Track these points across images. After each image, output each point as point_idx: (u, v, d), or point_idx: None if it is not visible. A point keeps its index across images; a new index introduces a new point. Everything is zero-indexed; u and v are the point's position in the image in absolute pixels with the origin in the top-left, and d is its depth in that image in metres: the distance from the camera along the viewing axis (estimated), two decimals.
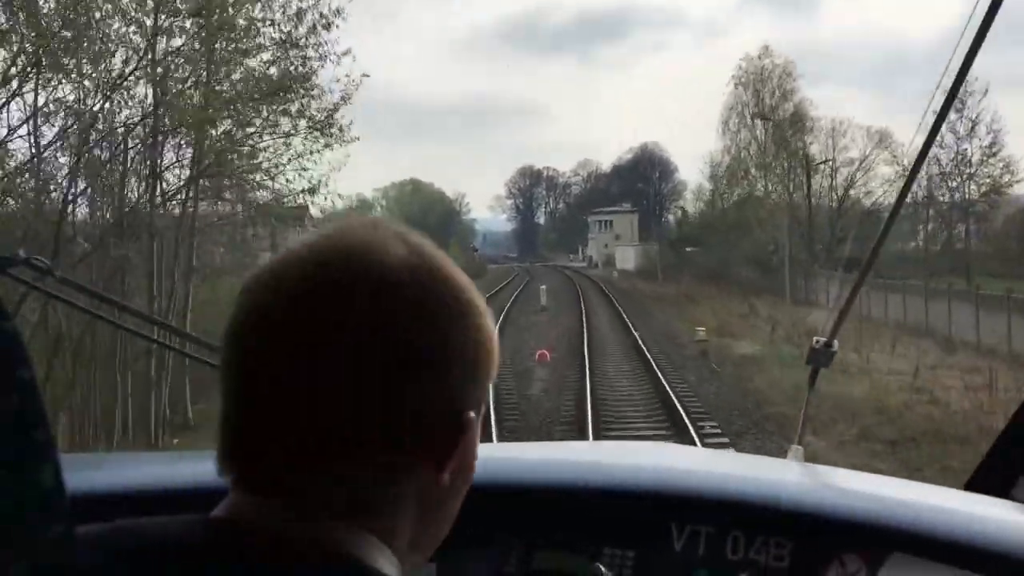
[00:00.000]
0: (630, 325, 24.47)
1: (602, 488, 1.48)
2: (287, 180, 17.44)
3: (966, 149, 42.13)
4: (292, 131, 15.92)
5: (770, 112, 44.67)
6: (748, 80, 47.48)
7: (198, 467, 1.51)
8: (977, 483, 1.63)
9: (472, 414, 0.73)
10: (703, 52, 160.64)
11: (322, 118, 15.84)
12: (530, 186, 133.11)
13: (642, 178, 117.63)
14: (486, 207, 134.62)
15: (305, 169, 17.03)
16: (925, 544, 1.28)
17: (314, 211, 18.82)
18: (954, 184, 43.11)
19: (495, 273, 69.66)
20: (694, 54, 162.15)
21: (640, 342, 20.73)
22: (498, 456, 1.70)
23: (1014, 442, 1.59)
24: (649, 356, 18.48)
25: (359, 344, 0.68)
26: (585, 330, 23.30)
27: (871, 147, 44.24)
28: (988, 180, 42.97)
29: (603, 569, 1.35)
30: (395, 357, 0.68)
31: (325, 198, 18.02)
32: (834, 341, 1.79)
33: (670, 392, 14.28)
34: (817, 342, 1.80)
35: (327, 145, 16.11)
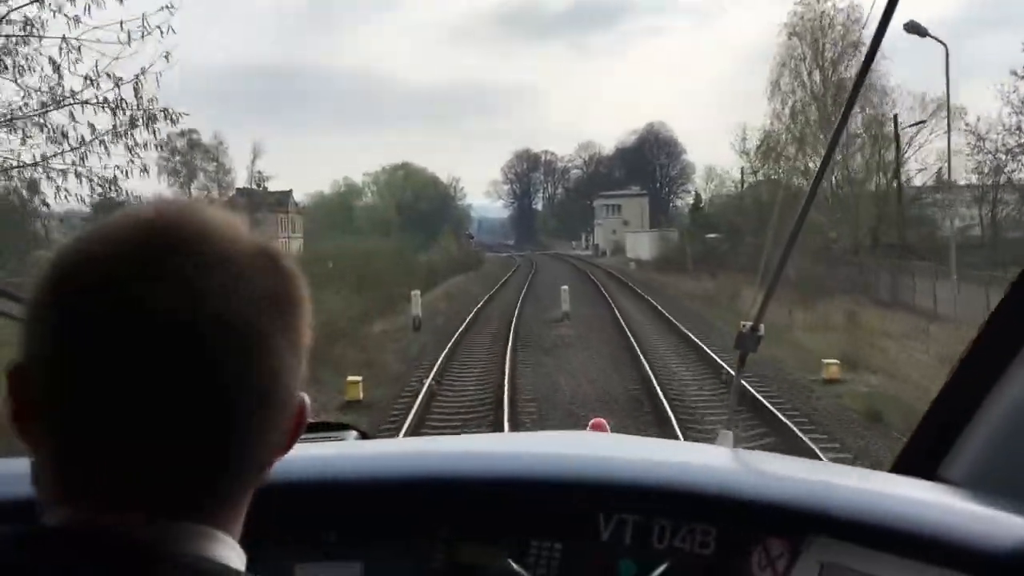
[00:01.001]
0: (706, 349, 16.02)
1: (528, 479, 1.45)
2: None
3: None
4: None
5: (830, 67, 35.77)
6: (805, 28, 38.31)
7: None
8: (903, 465, 1.60)
9: (305, 395, 0.73)
10: (700, 35, 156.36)
11: None
12: (528, 170, 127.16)
13: (648, 160, 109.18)
14: (482, 192, 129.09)
15: None
16: (849, 527, 1.28)
17: None
18: None
19: (493, 264, 61.53)
20: (691, 36, 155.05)
21: (745, 385, 12.22)
22: (420, 449, 1.79)
23: (938, 422, 1.57)
24: (790, 423, 10.50)
25: (247, 322, 0.67)
26: (645, 363, 14.81)
27: (926, 115, 35.94)
28: None
29: (514, 565, 1.32)
30: (247, 343, 0.67)
31: None
32: (760, 325, 1.77)
33: None
34: (744, 326, 1.78)
35: None
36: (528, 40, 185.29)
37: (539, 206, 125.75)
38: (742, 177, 47.82)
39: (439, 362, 15.16)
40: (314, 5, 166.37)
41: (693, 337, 17.43)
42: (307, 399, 0.74)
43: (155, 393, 0.64)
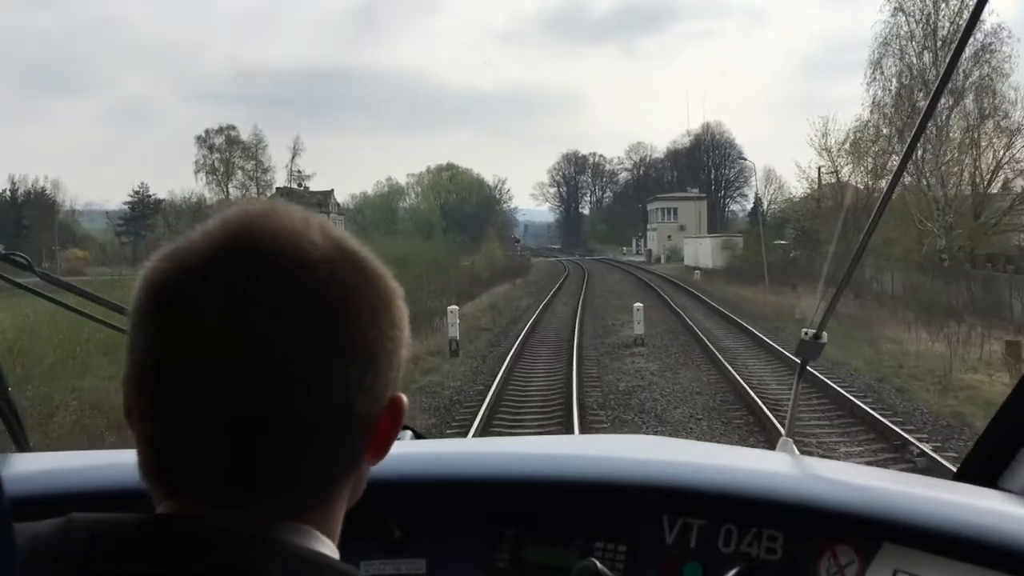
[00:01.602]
0: (865, 408, 11.06)
1: (593, 481, 1.46)
2: None
3: None
4: None
5: (944, 48, 30.52)
6: (915, 4, 32.97)
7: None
8: (966, 472, 1.60)
9: (402, 397, 0.76)
10: (750, 39, 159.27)
11: None
12: (575, 173, 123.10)
13: (703, 163, 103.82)
14: (528, 195, 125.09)
15: None
16: (916, 534, 1.29)
17: None
18: None
19: (540, 270, 57.13)
20: (741, 40, 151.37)
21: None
22: (487, 450, 1.76)
23: (1003, 431, 1.56)
24: None
25: (299, 341, 0.68)
26: (778, 423, 9.98)
27: None
28: None
29: (598, 564, 1.31)
30: (335, 351, 0.69)
31: None
32: (823, 333, 1.75)
33: None
34: (806, 334, 1.76)
35: None
36: (574, 43, 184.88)
37: (586, 210, 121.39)
38: (819, 177, 42.42)
39: (480, 416, 10.60)
40: (360, 11, 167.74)
41: (837, 388, 12.33)
42: (403, 401, 0.75)
43: (214, 405, 0.67)
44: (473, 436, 9.52)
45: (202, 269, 0.68)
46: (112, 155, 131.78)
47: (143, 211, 77.11)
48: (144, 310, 0.70)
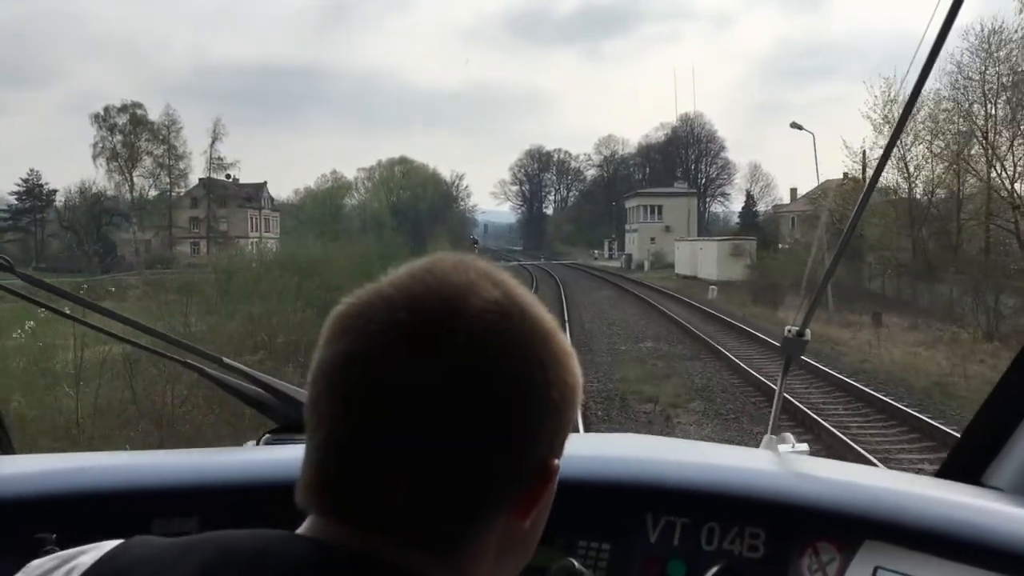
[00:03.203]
0: None
1: (577, 480, 1.43)
2: None
3: None
4: None
5: None
6: None
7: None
8: (949, 470, 1.64)
9: (557, 461, 0.77)
10: (714, 44, 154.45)
11: None
12: (539, 170, 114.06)
13: (681, 158, 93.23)
14: (488, 193, 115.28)
15: None
16: (898, 531, 1.31)
17: None
18: None
19: None
20: (705, 46, 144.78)
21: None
22: None
23: (985, 428, 1.60)
24: None
25: (456, 393, 0.70)
26: None
27: None
28: None
29: (576, 564, 1.29)
30: (491, 405, 0.71)
31: None
32: (806, 331, 1.78)
33: None
34: (789, 331, 1.79)
35: None
36: (539, 44, 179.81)
37: (549, 210, 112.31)
38: (863, 161, 31.57)
39: None
40: (324, 9, 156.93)
41: None
42: (555, 464, 0.77)
43: (350, 446, 0.72)
44: None
45: (359, 312, 0.74)
46: (62, 149, 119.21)
47: (33, 204, 63.86)
48: (324, 333, 0.76)
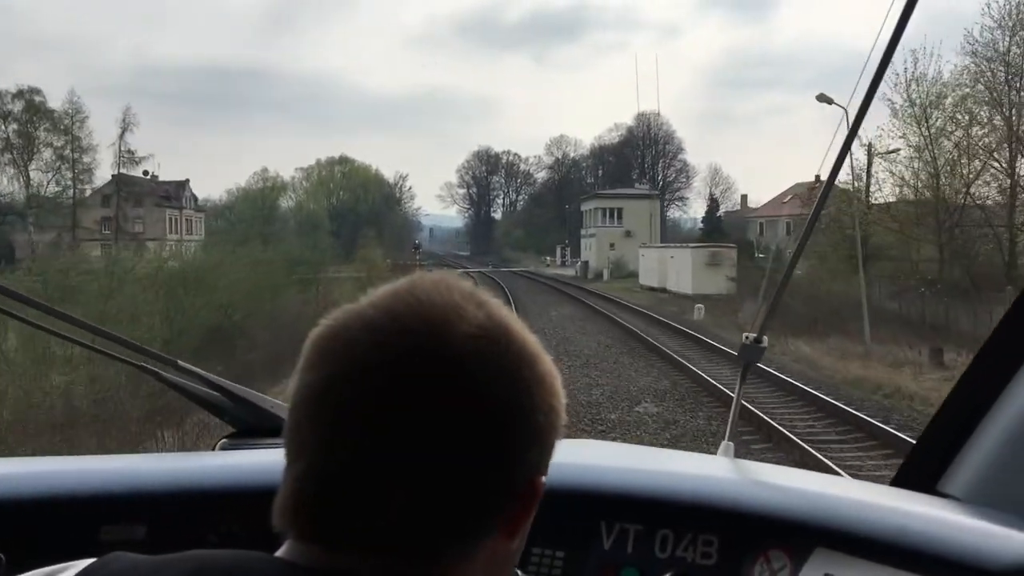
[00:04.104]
0: None
1: None
2: None
3: None
4: None
5: None
6: None
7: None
8: (904, 478, 1.64)
9: (544, 479, 0.79)
10: (662, 53, 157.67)
11: None
12: (487, 173, 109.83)
13: (636, 160, 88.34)
14: (435, 196, 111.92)
15: None
16: (850, 540, 1.32)
17: None
18: None
19: None
20: (654, 54, 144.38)
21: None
22: None
23: (939, 436, 1.61)
24: None
25: (442, 416, 0.71)
26: None
27: None
28: None
29: (519, 573, 1.35)
30: (484, 429, 0.72)
31: None
32: (763, 337, 1.82)
33: None
34: (747, 338, 1.82)
35: None
36: (487, 48, 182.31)
37: (498, 214, 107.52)
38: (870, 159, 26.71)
39: None
40: (271, 10, 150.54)
41: None
42: (541, 483, 0.78)
43: (335, 471, 0.71)
44: None
45: (338, 335, 0.74)
46: None
47: None
48: (306, 355, 0.76)
